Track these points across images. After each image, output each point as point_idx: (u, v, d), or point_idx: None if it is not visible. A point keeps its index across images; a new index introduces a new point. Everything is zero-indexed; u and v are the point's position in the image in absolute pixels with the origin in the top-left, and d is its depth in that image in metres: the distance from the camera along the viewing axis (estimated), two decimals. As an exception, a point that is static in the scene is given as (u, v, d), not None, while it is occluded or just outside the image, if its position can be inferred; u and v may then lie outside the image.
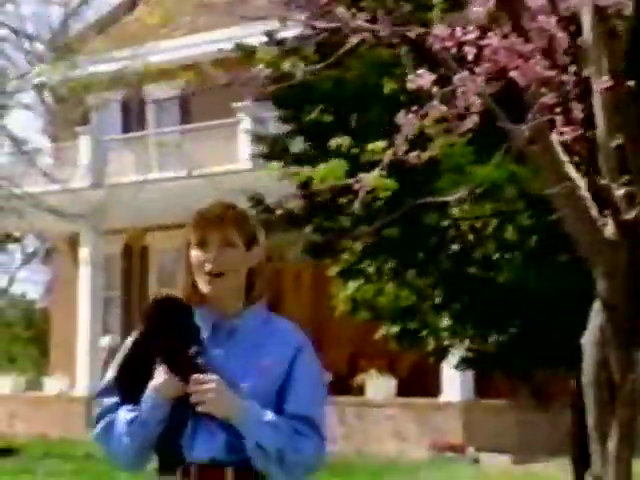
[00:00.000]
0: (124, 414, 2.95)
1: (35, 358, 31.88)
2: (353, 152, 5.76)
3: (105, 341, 21.07)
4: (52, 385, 20.79)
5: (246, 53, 7.48)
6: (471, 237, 7.33)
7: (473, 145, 6.42)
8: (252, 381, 2.91)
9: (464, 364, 12.88)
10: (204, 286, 2.93)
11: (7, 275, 36.87)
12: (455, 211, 6.57)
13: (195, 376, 2.86)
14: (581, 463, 11.85)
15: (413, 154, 6.10)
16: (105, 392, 3.03)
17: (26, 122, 33.63)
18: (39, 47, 17.93)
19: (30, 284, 49.14)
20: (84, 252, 19.79)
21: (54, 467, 14.67)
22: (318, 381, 3.02)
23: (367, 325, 14.78)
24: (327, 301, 17.95)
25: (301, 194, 7.63)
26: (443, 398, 16.60)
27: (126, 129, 23.29)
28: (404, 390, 17.26)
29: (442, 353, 12.83)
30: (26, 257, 36.94)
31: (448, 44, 3.63)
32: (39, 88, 19.95)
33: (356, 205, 4.59)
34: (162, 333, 2.89)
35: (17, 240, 33.34)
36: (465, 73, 3.69)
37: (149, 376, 2.92)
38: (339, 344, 18.31)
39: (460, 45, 3.63)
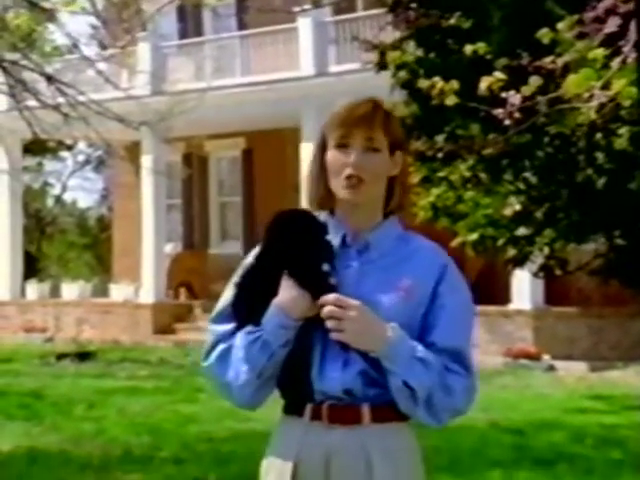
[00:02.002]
0: (242, 337, 2.55)
1: (92, 265, 32.19)
2: (488, 59, 5.62)
3: (168, 249, 21.21)
4: (118, 292, 20.98)
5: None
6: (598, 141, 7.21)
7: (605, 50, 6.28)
8: (389, 303, 2.52)
9: (544, 271, 12.88)
10: (341, 191, 2.57)
11: (59, 183, 37.07)
12: (584, 118, 6.45)
13: (334, 296, 2.48)
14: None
15: (548, 59, 6.01)
16: (219, 318, 2.65)
17: (78, 28, 33.41)
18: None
19: (81, 192, 49.46)
20: (146, 160, 19.68)
21: (132, 371, 14.79)
22: (467, 306, 2.62)
23: (431, 233, 14.75)
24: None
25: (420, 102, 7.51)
26: (513, 306, 16.58)
27: (183, 36, 23.03)
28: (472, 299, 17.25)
29: (521, 260, 12.83)
30: (78, 165, 37.03)
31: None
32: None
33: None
34: (294, 246, 2.54)
35: (69, 148, 33.36)
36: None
37: (273, 295, 2.54)
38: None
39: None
